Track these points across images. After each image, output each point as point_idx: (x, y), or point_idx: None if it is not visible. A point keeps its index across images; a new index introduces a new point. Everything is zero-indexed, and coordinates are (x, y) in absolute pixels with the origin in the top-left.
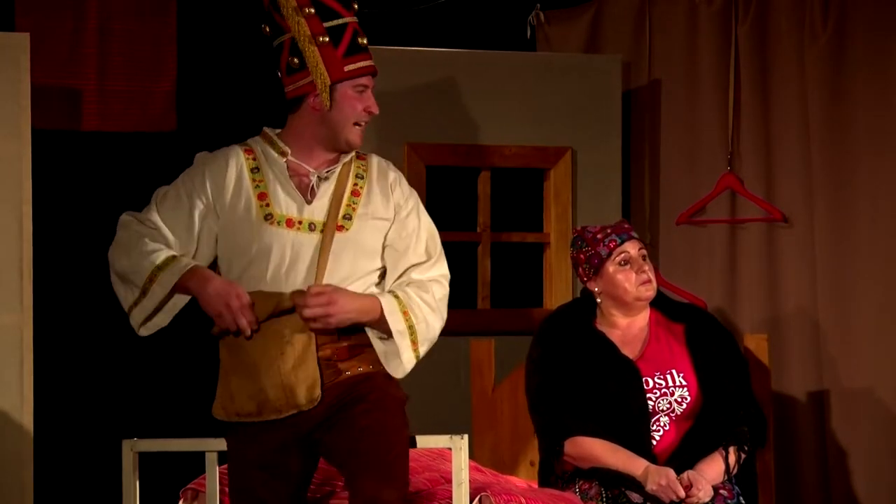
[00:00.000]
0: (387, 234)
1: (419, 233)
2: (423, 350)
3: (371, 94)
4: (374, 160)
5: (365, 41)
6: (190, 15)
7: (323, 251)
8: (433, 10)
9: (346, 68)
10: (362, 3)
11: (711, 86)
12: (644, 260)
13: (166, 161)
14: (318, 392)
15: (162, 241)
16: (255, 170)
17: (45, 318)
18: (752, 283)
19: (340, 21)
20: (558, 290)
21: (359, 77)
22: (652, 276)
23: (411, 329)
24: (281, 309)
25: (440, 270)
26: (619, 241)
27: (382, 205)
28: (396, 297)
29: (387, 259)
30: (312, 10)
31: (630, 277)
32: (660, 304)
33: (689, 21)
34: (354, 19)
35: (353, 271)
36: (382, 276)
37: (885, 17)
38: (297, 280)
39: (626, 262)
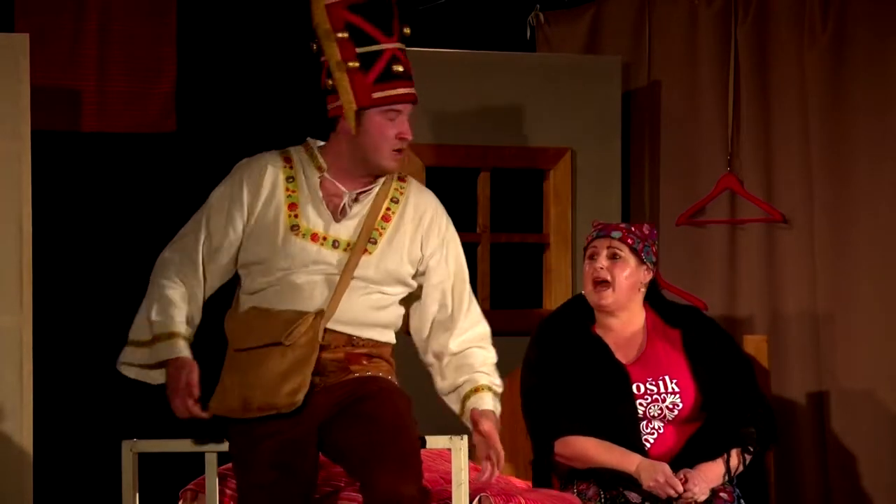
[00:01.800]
0: (426, 273)
1: (450, 274)
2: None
3: (405, 120)
4: (414, 187)
5: (401, 69)
6: (190, 15)
7: (346, 271)
8: (433, 10)
9: (375, 95)
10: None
11: (711, 87)
12: (612, 259)
13: (166, 162)
14: (299, 397)
15: (188, 286)
16: (290, 179)
17: (45, 319)
18: (751, 283)
19: (376, 47)
20: (558, 291)
21: (390, 104)
22: (609, 277)
23: (499, 397)
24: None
25: (475, 314)
26: (595, 235)
27: (409, 237)
28: (490, 388)
29: (427, 301)
30: (346, 35)
31: (589, 273)
32: (657, 306)
33: (689, 22)
34: (395, 45)
35: (376, 298)
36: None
37: (885, 17)
38: (315, 296)
39: (592, 256)
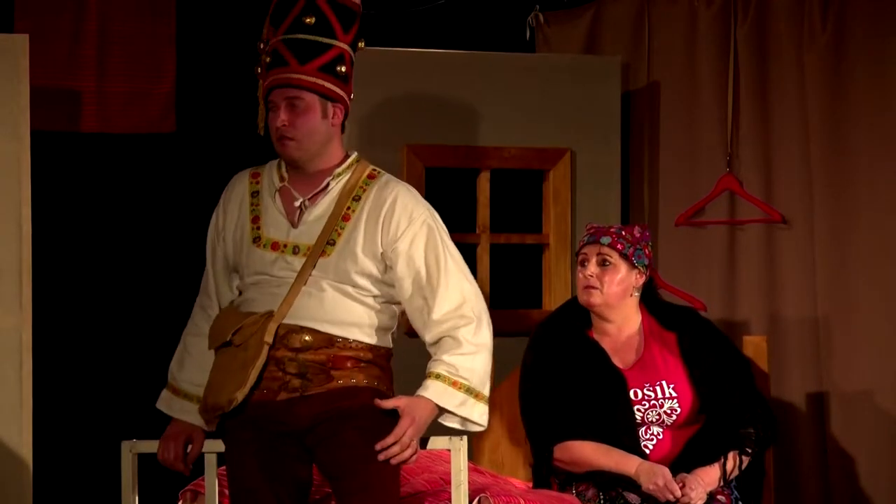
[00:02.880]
0: (393, 267)
1: (420, 263)
2: (487, 391)
3: (282, 108)
4: (380, 182)
5: (267, 59)
6: (189, 16)
7: (300, 275)
8: (433, 11)
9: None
10: (362, 4)
11: (710, 87)
12: (602, 266)
13: (166, 162)
14: (238, 395)
15: (205, 324)
16: (255, 194)
17: (44, 320)
18: (751, 284)
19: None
20: (557, 292)
21: (267, 96)
22: (598, 284)
23: (469, 390)
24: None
25: (453, 300)
26: (586, 241)
27: (366, 233)
28: (438, 375)
29: (403, 295)
30: (262, 47)
31: (580, 280)
32: (654, 309)
33: (689, 22)
34: (275, 39)
35: (347, 291)
36: (385, 296)
37: (885, 17)
38: (275, 302)
39: (582, 263)
